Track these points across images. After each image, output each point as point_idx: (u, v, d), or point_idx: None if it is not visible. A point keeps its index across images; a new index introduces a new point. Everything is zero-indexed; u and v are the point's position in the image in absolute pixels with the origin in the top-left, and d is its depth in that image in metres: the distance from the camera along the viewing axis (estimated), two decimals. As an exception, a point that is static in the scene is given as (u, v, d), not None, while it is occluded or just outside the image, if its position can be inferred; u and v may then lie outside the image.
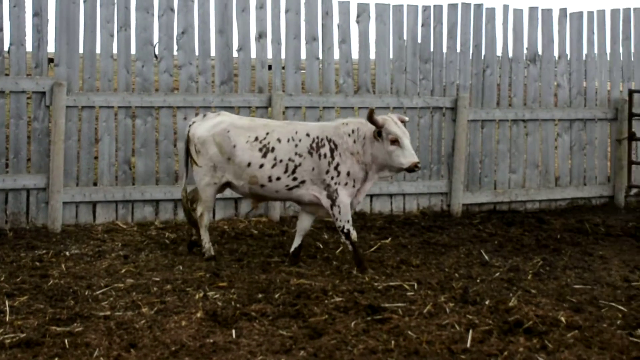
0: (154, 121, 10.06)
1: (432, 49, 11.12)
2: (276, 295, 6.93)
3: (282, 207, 10.36)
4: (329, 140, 7.92)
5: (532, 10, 11.53)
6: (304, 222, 8.23)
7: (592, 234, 9.87)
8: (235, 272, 7.77)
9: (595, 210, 11.55)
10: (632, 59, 12.04)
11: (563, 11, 11.67)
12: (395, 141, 7.69)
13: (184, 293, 7.01)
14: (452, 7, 11.17)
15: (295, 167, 7.89)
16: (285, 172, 7.90)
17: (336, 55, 10.74)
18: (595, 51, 11.88)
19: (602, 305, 6.80)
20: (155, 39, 10.18)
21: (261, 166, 7.92)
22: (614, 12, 11.96)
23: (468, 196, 11.14)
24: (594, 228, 10.15)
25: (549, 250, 8.96)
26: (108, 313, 6.42)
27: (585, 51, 11.83)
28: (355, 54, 10.79)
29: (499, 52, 11.46)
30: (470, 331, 6.00)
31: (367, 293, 7.06)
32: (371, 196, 10.78)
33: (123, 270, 7.77)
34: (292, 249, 8.23)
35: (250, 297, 6.89)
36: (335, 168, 7.86)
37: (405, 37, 10.98)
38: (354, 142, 7.89)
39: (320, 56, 10.66)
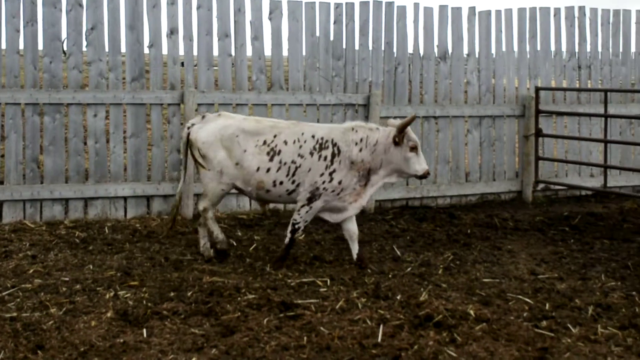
0: (63, 118, 9.87)
1: (344, 46, 11.18)
2: (188, 294, 6.88)
3: (195, 205, 10.28)
4: (334, 145, 7.85)
5: (442, 8, 11.69)
6: (348, 228, 8.07)
7: (501, 228, 10.06)
8: (147, 270, 7.69)
9: (504, 205, 11.78)
10: (539, 57, 12.32)
11: (472, 10, 11.87)
12: (414, 148, 7.86)
13: (94, 293, 6.91)
14: (364, 5, 11.25)
15: (296, 169, 7.80)
16: (287, 175, 7.81)
17: (249, 52, 10.72)
18: (504, 49, 12.12)
19: (510, 298, 6.94)
20: (64, 35, 10.00)
21: (268, 170, 7.81)
22: (521, 11, 12.21)
23: (381, 192, 11.23)
24: (502, 223, 10.34)
25: (459, 245, 9.10)
26: (14, 314, 6.29)
27: (493, 49, 12.05)
28: (268, 51, 10.79)
29: (410, 50, 11.59)
30: (382, 326, 6.07)
31: (280, 290, 7.07)
32: (285, 193, 10.79)
33: (31, 271, 7.60)
34: (354, 257, 8.02)
35: (162, 295, 6.83)
36: (330, 174, 7.80)
37: (317, 34, 11.01)
38: (360, 150, 7.84)
39: (233, 53, 10.62)
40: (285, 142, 7.84)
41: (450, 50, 11.78)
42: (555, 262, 8.30)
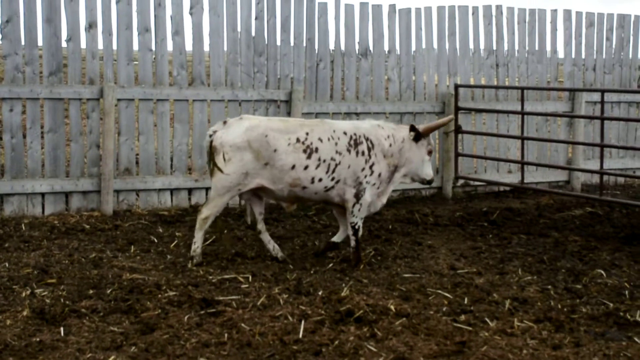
0: (-22, 113, 9.65)
1: (266, 42, 11.16)
2: (108, 291, 6.79)
3: (115, 201, 10.15)
4: (367, 139, 7.95)
5: (363, 5, 11.76)
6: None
7: (422, 224, 10.17)
8: (65, 268, 7.56)
9: (424, 200, 11.91)
10: (458, 55, 12.49)
11: (392, 7, 11.96)
12: (430, 153, 8.14)
13: (10, 291, 6.77)
14: (285, 1, 11.23)
15: (336, 165, 7.80)
16: (327, 172, 7.79)
17: (169, 47, 10.62)
18: (424, 46, 12.25)
19: (430, 293, 7.02)
20: (-22, 28, 9.76)
21: (306, 168, 7.74)
22: (440, 10, 12.36)
23: (303, 188, 11.25)
24: (423, 218, 10.46)
25: (380, 240, 9.17)
26: None
27: (414, 46, 12.18)
28: (189, 46, 10.71)
29: (331, 46, 11.64)
30: (303, 322, 6.08)
31: (201, 286, 7.03)
32: (207, 189, 10.72)
33: (-56, 269, 7.42)
34: (332, 239, 8.38)
35: (81, 293, 6.72)
36: (371, 167, 7.93)
37: (239, 30, 10.97)
38: (390, 145, 8.04)
39: (154, 48, 10.51)
40: (321, 140, 7.81)
41: (371, 47, 11.85)
42: (474, 257, 8.43)
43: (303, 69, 11.37)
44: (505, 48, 12.82)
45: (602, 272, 7.72)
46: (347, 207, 7.96)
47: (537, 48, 13.07)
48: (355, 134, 7.93)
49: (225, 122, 7.91)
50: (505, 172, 12.76)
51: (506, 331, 6.04)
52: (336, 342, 5.70)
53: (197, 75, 10.78)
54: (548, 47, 13.18)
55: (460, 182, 12.41)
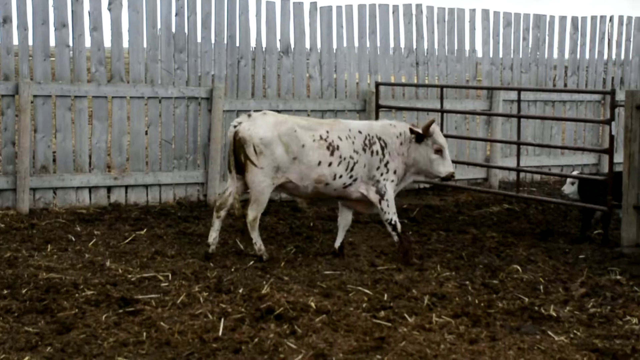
0: None
1: (186, 39, 11.07)
2: (23, 291, 6.66)
3: (31, 200, 9.95)
4: (379, 139, 8.17)
5: (284, 3, 11.75)
6: (346, 217, 8.47)
7: (343, 221, 10.21)
8: (-22, 268, 7.38)
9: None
10: (379, 53, 12.59)
11: (314, 5, 11.98)
12: (439, 151, 8.14)
13: None
14: (206, -2, 11.19)
15: (354, 164, 8.05)
16: (346, 169, 8.03)
17: (87, 43, 10.45)
18: (345, 44, 12.31)
19: (350, 290, 7.05)
20: None
21: (330, 164, 7.96)
22: (361, 8, 12.43)
23: (225, 186, 11.19)
24: (344, 215, 10.50)
25: (302, 237, 9.19)
26: None
27: (335, 44, 12.22)
28: (107, 42, 10.55)
29: (253, 44, 11.60)
30: (223, 320, 6.06)
31: (120, 285, 6.95)
32: (126, 187, 10.62)
33: None
34: (337, 244, 8.38)
35: (-5, 294, 6.58)
36: (386, 165, 8.14)
37: (159, 26, 10.87)
38: (401, 144, 8.21)
39: (71, 43, 10.33)
40: (340, 138, 8.05)
41: (292, 45, 11.86)
42: (394, 253, 8.49)
43: (224, 66, 11.32)
44: (425, 47, 12.96)
45: (518, 267, 7.87)
46: (377, 207, 8.22)
47: (456, 47, 13.24)
48: (369, 134, 8.16)
49: (249, 115, 8.04)
50: (425, 170, 12.88)
51: (424, 326, 6.10)
52: (256, 340, 5.69)
53: (116, 71, 10.64)
54: (467, 46, 13.37)
55: (381, 179, 12.47)
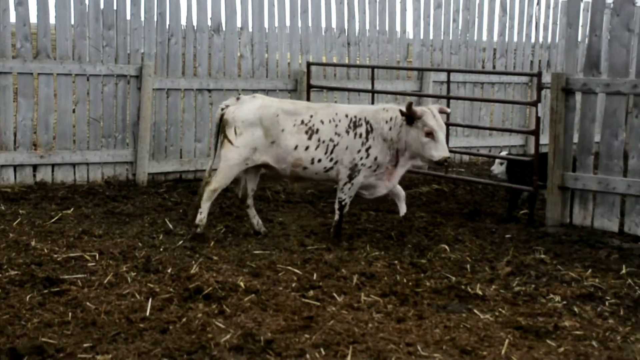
0: None
1: (115, 16, 10.89)
2: (-55, 272, 6.52)
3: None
4: (367, 122, 8.08)
5: (216, -20, 11.66)
6: (396, 194, 8.61)
7: (273, 201, 10.22)
8: None
9: (276, 177, 11.92)
10: (310, 33, 12.56)
11: (245, -17, 11.91)
12: (430, 134, 7.82)
13: None
14: (136, -26, 11.02)
15: (334, 146, 8.03)
16: (325, 153, 8.04)
17: (12, 18, 10.20)
18: (276, 24, 12.26)
19: (280, 269, 7.06)
20: None
21: (306, 148, 8.01)
22: (293, -13, 12.40)
23: (154, 165, 11.11)
24: (275, 195, 10.51)
25: (231, 217, 9.16)
26: None
27: (266, 23, 12.15)
28: (33, 18, 10.31)
29: (183, 22, 11.50)
30: (150, 299, 6.01)
31: (45, 265, 6.85)
32: (53, 165, 10.44)
33: None
34: (401, 214, 8.68)
35: None
36: (367, 150, 8.04)
37: (87, 2, 10.67)
38: (390, 129, 8.04)
39: (-5, 18, 10.10)
40: (322, 122, 8.06)
41: (223, 24, 11.76)
42: (324, 233, 8.52)
43: (154, 44, 11.18)
44: (357, 27, 12.99)
45: (446, 247, 7.96)
46: (338, 185, 8.17)
47: (387, 28, 13.29)
48: (356, 117, 8.09)
49: (238, 99, 8.23)
50: (356, 150, 12.93)
51: (353, 306, 6.14)
52: (184, 319, 5.66)
53: (42, 48, 10.42)
54: (398, 27, 13.45)
55: (312, 159, 12.49)
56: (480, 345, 5.37)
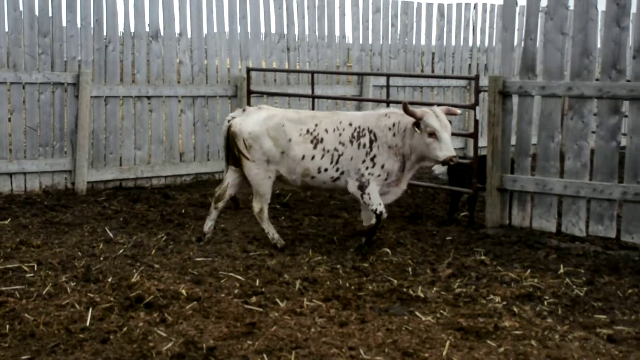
0: None
1: (51, 23, 10.75)
2: None
3: None
4: (370, 132, 7.93)
5: (154, -14, 11.58)
6: (367, 212, 8.23)
7: (215, 207, 10.16)
8: None
9: (218, 184, 11.84)
10: (249, 38, 12.54)
11: (184, -11, 11.86)
12: (432, 134, 7.62)
13: None
14: (66, -20, 10.88)
15: (339, 156, 7.95)
16: (331, 162, 7.97)
17: (-55, 26, 10.03)
18: (215, 29, 12.21)
19: (222, 276, 7.03)
20: None
21: (312, 158, 7.97)
22: (231, -8, 12.37)
23: (93, 173, 10.99)
24: (216, 201, 10.45)
25: (173, 225, 9.10)
26: None
27: (205, 29, 12.10)
28: (-33, 25, 10.15)
29: (121, 28, 11.38)
30: (90, 309, 5.94)
31: (-19, 278, 6.73)
32: (-10, 175, 10.28)
33: None
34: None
35: None
36: (372, 159, 7.89)
37: (21, 9, 10.51)
38: (394, 135, 7.88)
39: None
40: (326, 131, 8.00)
41: (162, 30, 11.68)
42: (267, 239, 8.49)
43: (91, 51, 11.06)
44: (296, 32, 13.01)
45: (388, 250, 8.01)
46: (359, 200, 8.06)
47: (326, 33, 13.33)
48: (359, 126, 7.97)
49: (244, 110, 8.30)
50: (297, 155, 12.95)
51: (296, 311, 6.14)
52: (125, 329, 5.61)
53: (-24, 56, 10.26)
54: (337, 32, 13.49)
55: (254, 165, 12.48)
56: (421, 347, 5.41)
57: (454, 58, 15.06)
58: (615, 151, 8.37)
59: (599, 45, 9.01)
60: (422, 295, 6.58)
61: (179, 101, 11.93)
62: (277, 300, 6.39)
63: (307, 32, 13.11)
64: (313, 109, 11.66)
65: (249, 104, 11.96)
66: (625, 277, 7.23)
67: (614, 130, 8.35)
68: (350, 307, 6.27)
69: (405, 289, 6.72)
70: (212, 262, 7.54)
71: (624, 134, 8.60)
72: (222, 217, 9.56)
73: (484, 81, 11.74)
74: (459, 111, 8.17)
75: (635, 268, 7.52)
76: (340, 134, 8.02)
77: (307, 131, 8.05)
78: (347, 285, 6.86)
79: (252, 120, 8.11)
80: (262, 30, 12.70)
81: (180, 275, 7.00)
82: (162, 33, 11.68)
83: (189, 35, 11.97)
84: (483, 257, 7.88)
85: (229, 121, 8.25)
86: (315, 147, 8.01)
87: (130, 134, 11.41)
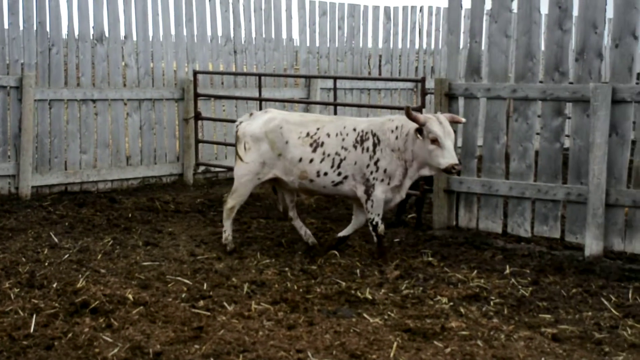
0: None
1: (-7, 25, 10.60)
2: None
3: None
4: (374, 135, 7.80)
5: (100, -11, 11.45)
6: (358, 218, 8.21)
7: (162, 211, 10.11)
8: None
9: (166, 188, 11.85)
10: (196, 41, 12.49)
11: (129, -8, 11.76)
12: (435, 141, 7.40)
13: None
14: (9, -19, 10.72)
15: (341, 161, 7.84)
16: (332, 166, 7.87)
17: None
18: (161, 32, 12.13)
19: (169, 280, 6.98)
20: None
21: (311, 161, 7.90)
22: (178, -5, 12.31)
23: (38, 178, 10.84)
24: (164, 205, 10.40)
25: (120, 229, 9.01)
26: None
27: (151, 32, 12.02)
28: None
29: (65, 31, 11.24)
30: (35, 315, 5.86)
31: None
32: None
33: None
34: (339, 234, 8.26)
35: None
36: (375, 163, 7.75)
37: (-38, 11, 10.35)
38: (396, 138, 7.72)
39: None
40: (328, 135, 7.92)
41: (107, 33, 11.56)
42: (215, 242, 8.48)
43: (34, 54, 10.90)
44: (243, 35, 12.98)
45: (336, 252, 8.02)
46: (363, 205, 7.94)
47: (273, 35, 13.33)
48: (363, 130, 7.86)
49: (251, 114, 8.34)
50: (245, 158, 12.92)
51: (244, 314, 6.12)
52: (70, 335, 5.54)
53: None
54: (284, 35, 13.49)
55: (201, 168, 12.46)
56: (369, 349, 5.43)
57: (400, 60, 15.16)
58: (559, 152, 8.48)
59: (542, 48, 9.09)
60: (370, 297, 6.60)
61: (125, 104, 11.83)
62: (225, 303, 6.36)
63: (254, 35, 13.09)
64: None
65: (196, 107, 11.91)
66: (569, 277, 7.34)
67: (557, 131, 8.47)
68: (298, 310, 6.26)
69: (353, 291, 6.73)
70: (159, 266, 7.48)
71: (567, 136, 8.72)
72: (170, 221, 9.52)
73: (430, 83, 11.83)
74: (463, 119, 8.02)
75: (579, 268, 7.63)
76: (343, 139, 7.91)
77: (307, 134, 7.99)
78: (296, 288, 6.86)
79: (254, 124, 8.17)
80: (209, 33, 12.66)
81: (127, 280, 6.94)
82: (107, 36, 11.56)
83: (134, 38, 11.87)
84: (430, 259, 7.92)
85: (237, 126, 8.34)
86: (314, 151, 7.93)
87: (75, 138, 11.27)
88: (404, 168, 7.79)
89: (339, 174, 7.90)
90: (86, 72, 11.40)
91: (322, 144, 7.94)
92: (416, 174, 7.82)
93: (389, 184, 7.82)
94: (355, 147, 7.86)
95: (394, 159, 7.77)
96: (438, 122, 7.47)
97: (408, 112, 7.45)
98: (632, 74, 7.93)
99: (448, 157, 7.41)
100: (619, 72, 7.98)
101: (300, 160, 7.95)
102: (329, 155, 7.90)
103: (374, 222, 7.88)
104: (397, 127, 7.77)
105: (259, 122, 8.17)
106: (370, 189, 7.82)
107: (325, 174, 7.92)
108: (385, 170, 7.78)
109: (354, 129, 7.93)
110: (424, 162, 7.66)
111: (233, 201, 8.27)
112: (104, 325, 5.76)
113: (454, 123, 7.81)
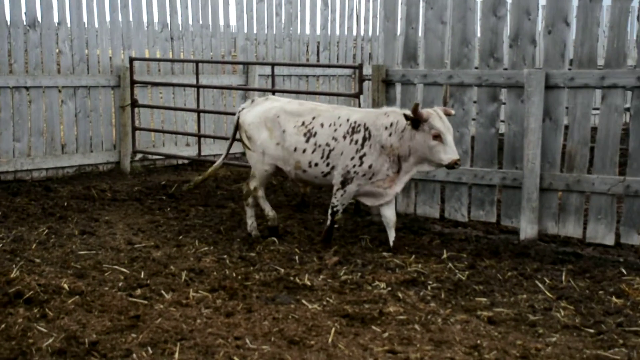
0: None
1: None
2: None
3: None
4: (366, 129, 7.70)
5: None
6: (387, 216, 7.89)
7: (99, 199, 9.99)
8: None
9: (102, 176, 11.72)
10: (132, 27, 12.34)
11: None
12: (437, 136, 7.26)
13: None
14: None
15: (330, 151, 7.78)
16: (322, 157, 7.82)
17: None
18: (96, 18, 11.95)
19: (106, 269, 6.91)
20: None
21: (304, 151, 7.86)
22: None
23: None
24: (100, 194, 10.28)
25: (55, 218, 8.89)
26: None
27: (85, 18, 11.83)
28: None
29: (-4, 17, 11.03)
30: (-33, 307, 5.75)
31: None
32: None
33: None
34: (391, 244, 7.85)
35: None
36: (361, 158, 7.66)
37: None
38: (390, 135, 7.59)
39: None
40: (322, 125, 7.86)
41: (39, 18, 11.35)
42: (152, 230, 8.42)
43: (-35, 40, 10.68)
44: (180, 21, 12.86)
45: (275, 239, 8.02)
46: (333, 189, 7.84)
47: (210, 22, 13.23)
48: (355, 122, 7.74)
49: (253, 101, 8.35)
50: (183, 145, 12.86)
51: (181, 302, 6.08)
52: (3, 326, 5.43)
53: None
54: (221, 21, 13.40)
55: (139, 156, 12.33)
56: (307, 335, 5.43)
57: (338, 47, 15.18)
58: (495, 138, 8.58)
59: (477, 34, 9.18)
60: (308, 283, 6.62)
61: (60, 92, 11.64)
62: (163, 292, 6.31)
63: (190, 22, 12.99)
64: (198, 98, 11.56)
65: (132, 93, 11.78)
66: (505, 261, 7.44)
67: (493, 117, 8.57)
68: (236, 297, 6.24)
69: (292, 278, 6.74)
70: (95, 255, 7.40)
71: (503, 121, 8.82)
72: (106, 210, 9.43)
73: (368, 70, 11.84)
74: (453, 111, 7.83)
75: (514, 251, 7.74)
76: (335, 130, 7.82)
77: (303, 124, 7.94)
78: (234, 275, 6.84)
79: (254, 112, 8.16)
80: (145, 19, 12.51)
81: (63, 270, 6.85)
82: (39, 21, 11.34)
83: (68, 24, 11.68)
84: (369, 244, 7.97)
85: (238, 112, 8.31)
86: (307, 141, 7.88)
87: (8, 126, 11.06)
88: (395, 164, 7.69)
89: (328, 164, 7.86)
90: (19, 58, 11.18)
91: (315, 134, 7.89)
92: (413, 168, 7.69)
93: (370, 179, 7.75)
94: (344, 137, 7.78)
95: (382, 156, 7.67)
96: (439, 117, 7.40)
97: (415, 109, 7.34)
98: (564, 60, 8.05)
99: (450, 152, 7.33)
100: (551, 58, 8.10)
101: (295, 149, 7.94)
102: (319, 145, 7.87)
103: (335, 209, 7.92)
104: (392, 124, 7.64)
105: (258, 111, 8.15)
106: (347, 182, 7.77)
107: (316, 164, 7.89)
108: (370, 166, 7.69)
109: (347, 120, 7.85)
110: (423, 158, 7.55)
111: (254, 183, 8.31)
112: (38, 316, 5.67)
113: (446, 115, 7.69)
